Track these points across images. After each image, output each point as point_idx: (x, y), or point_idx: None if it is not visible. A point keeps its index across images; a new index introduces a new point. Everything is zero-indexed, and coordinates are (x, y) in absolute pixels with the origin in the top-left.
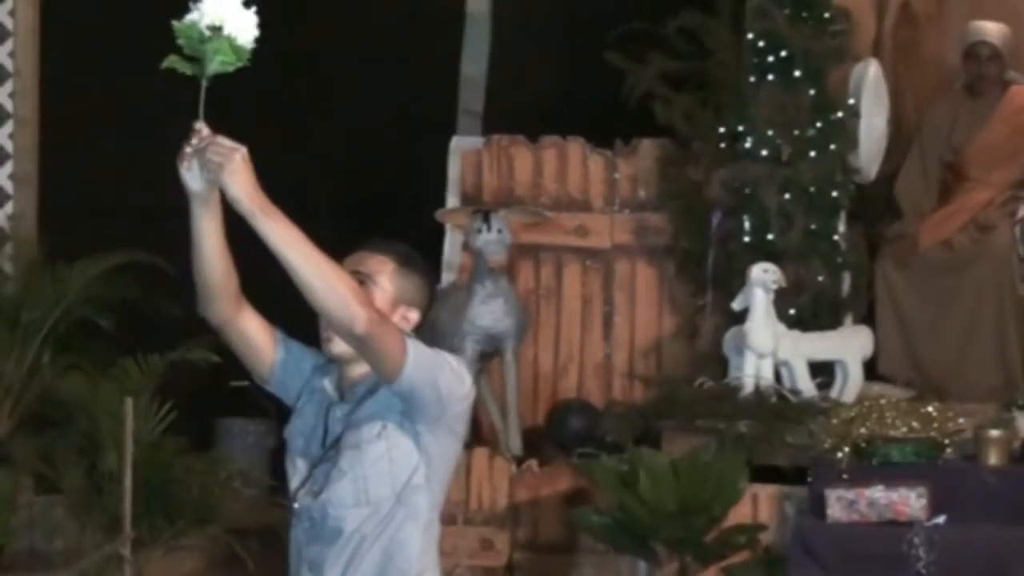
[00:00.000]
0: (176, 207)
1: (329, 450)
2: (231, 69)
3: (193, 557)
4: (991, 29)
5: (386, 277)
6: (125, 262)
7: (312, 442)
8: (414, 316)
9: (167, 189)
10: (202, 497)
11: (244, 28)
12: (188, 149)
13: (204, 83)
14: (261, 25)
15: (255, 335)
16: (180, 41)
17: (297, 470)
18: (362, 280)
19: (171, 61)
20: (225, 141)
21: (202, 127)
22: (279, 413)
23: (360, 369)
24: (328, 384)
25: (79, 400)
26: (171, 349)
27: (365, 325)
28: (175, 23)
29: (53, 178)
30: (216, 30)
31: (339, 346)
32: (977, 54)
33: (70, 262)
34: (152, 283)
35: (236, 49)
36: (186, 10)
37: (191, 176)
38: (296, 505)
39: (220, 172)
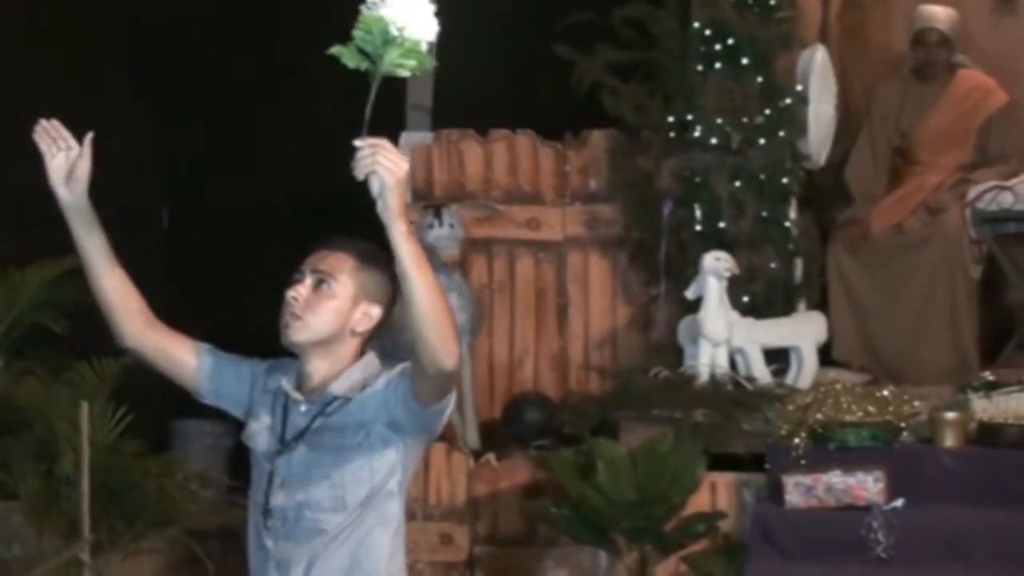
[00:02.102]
0: (124, 210)
1: (289, 444)
2: (408, 75)
3: (153, 560)
4: (939, 15)
5: (346, 274)
6: (77, 266)
7: (272, 439)
8: (376, 312)
9: (115, 192)
10: (160, 499)
11: (426, 34)
12: (358, 143)
13: (375, 83)
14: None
15: (175, 351)
16: (357, 32)
17: (262, 470)
18: (322, 278)
19: (338, 51)
20: (395, 149)
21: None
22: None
23: (322, 366)
24: (287, 383)
25: (34, 405)
26: (125, 352)
27: (455, 362)
28: (364, 12)
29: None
30: (400, 30)
31: (300, 334)
32: (925, 40)
33: (21, 267)
34: None
35: (421, 56)
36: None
37: (59, 183)
38: (269, 505)
39: (389, 179)
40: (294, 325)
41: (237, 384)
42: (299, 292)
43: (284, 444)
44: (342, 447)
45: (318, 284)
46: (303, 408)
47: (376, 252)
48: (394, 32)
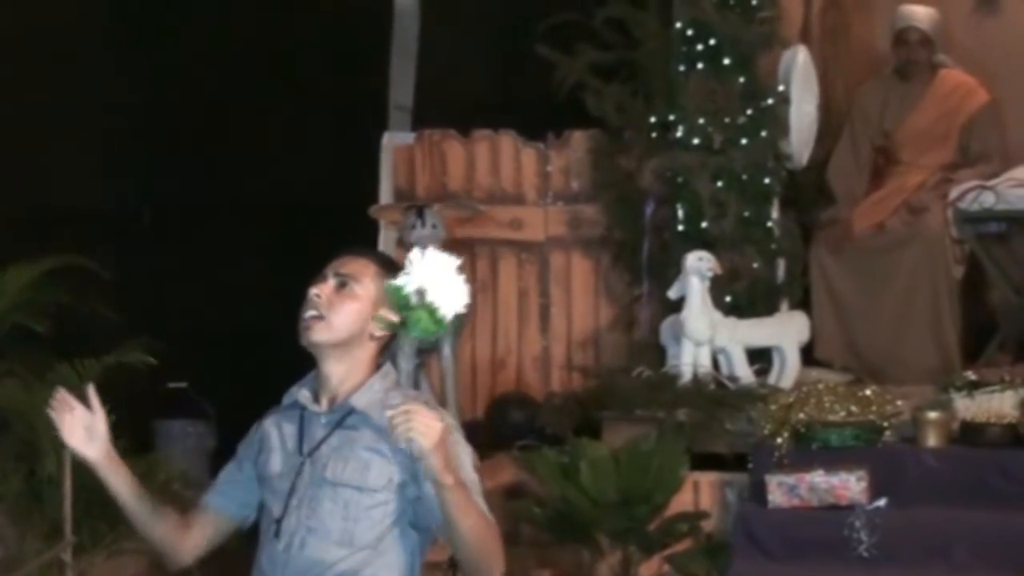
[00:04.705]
0: (108, 208)
1: (311, 454)
2: (432, 338)
3: (135, 561)
4: (920, 14)
5: (369, 278)
6: (58, 266)
7: (284, 457)
8: (394, 319)
9: (99, 190)
10: None
11: (449, 299)
12: (390, 414)
13: (407, 346)
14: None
15: (209, 525)
16: (388, 299)
17: (277, 492)
18: (345, 281)
19: (380, 317)
20: (425, 409)
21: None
22: (219, 415)
23: (340, 369)
24: (304, 395)
25: (16, 406)
26: (107, 352)
27: None
28: (387, 283)
29: None
30: (421, 294)
31: (321, 334)
32: (907, 40)
33: (2, 268)
34: (86, 287)
35: (435, 320)
36: None
37: (81, 445)
38: (281, 526)
39: (426, 444)
40: (316, 326)
41: (247, 477)
42: (322, 290)
43: (302, 456)
44: (364, 483)
45: (341, 286)
46: (323, 420)
47: (396, 262)
48: (413, 299)
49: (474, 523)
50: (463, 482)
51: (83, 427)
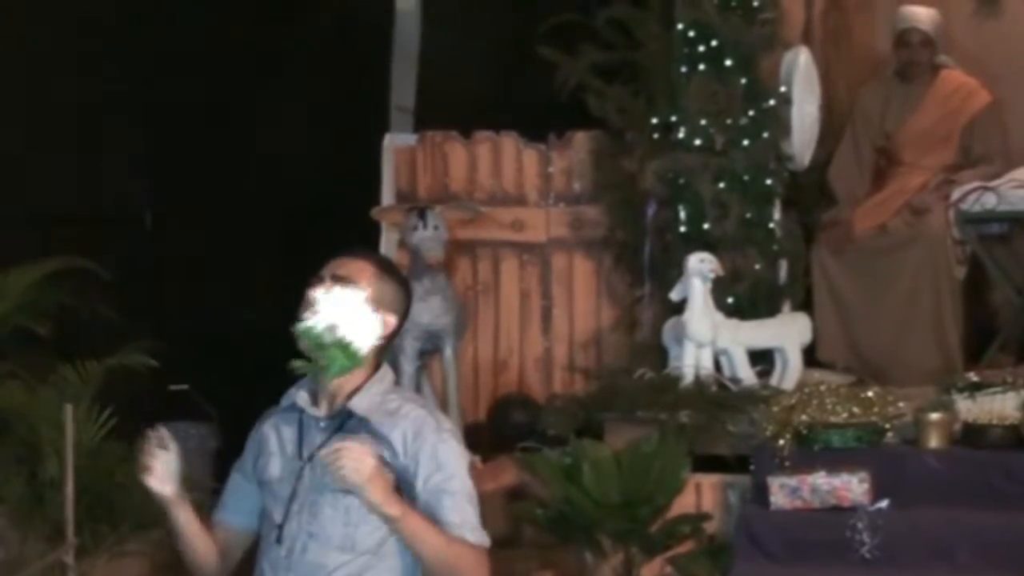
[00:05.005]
0: (109, 211)
1: (311, 458)
2: (347, 374)
3: (137, 562)
4: (921, 15)
5: (366, 281)
6: (60, 268)
7: (284, 461)
8: (392, 320)
9: (101, 194)
10: (144, 502)
11: (361, 333)
12: (323, 454)
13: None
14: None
15: (232, 540)
16: (302, 341)
17: (278, 497)
18: (343, 284)
19: (296, 364)
20: (356, 447)
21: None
22: (220, 416)
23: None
24: (302, 398)
25: (18, 408)
26: (109, 354)
27: None
28: (296, 326)
29: None
30: (332, 330)
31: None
32: (908, 41)
33: (5, 269)
34: (87, 288)
35: (349, 356)
36: None
37: (157, 482)
38: (283, 531)
39: (356, 479)
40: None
41: (254, 487)
42: (319, 293)
43: (302, 460)
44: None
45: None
46: (322, 425)
47: (393, 264)
48: (325, 339)
49: (436, 547)
50: (411, 511)
51: (160, 465)
